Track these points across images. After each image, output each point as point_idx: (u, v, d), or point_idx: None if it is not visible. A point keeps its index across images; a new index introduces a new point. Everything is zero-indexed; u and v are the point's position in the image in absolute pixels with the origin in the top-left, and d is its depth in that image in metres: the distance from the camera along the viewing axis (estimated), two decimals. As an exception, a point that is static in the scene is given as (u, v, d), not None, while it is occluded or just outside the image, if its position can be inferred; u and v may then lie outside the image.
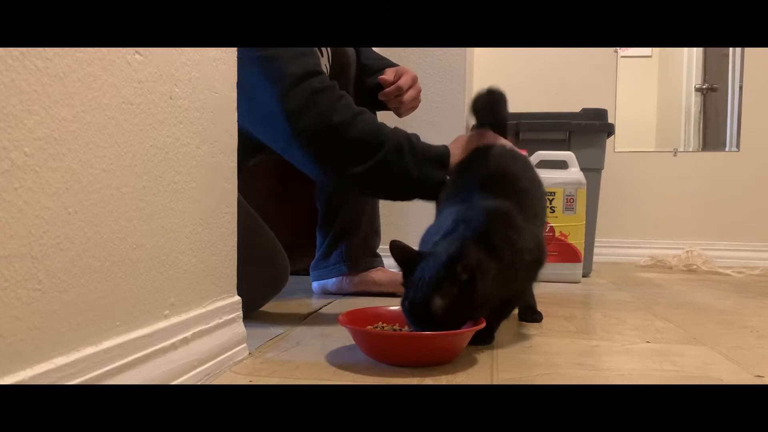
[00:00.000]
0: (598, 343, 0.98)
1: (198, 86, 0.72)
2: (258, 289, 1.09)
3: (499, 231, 0.88)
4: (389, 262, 1.34)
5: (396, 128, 1.06)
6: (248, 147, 1.14)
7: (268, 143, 1.06)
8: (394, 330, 0.91)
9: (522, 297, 1.06)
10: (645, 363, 0.87)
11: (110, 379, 0.56)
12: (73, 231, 0.52)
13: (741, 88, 2.52)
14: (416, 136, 1.07)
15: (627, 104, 2.57)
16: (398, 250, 0.87)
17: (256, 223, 1.14)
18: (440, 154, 1.06)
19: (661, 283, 1.84)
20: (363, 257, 1.44)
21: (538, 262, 0.94)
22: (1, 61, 0.44)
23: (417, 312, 0.82)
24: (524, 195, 0.98)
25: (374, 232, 1.47)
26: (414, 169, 1.03)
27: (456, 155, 1.07)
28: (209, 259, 0.77)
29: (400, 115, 1.33)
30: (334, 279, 1.45)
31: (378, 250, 1.48)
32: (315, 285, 1.49)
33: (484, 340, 0.92)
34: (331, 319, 1.12)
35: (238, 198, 1.10)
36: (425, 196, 1.07)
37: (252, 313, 1.09)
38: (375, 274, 1.43)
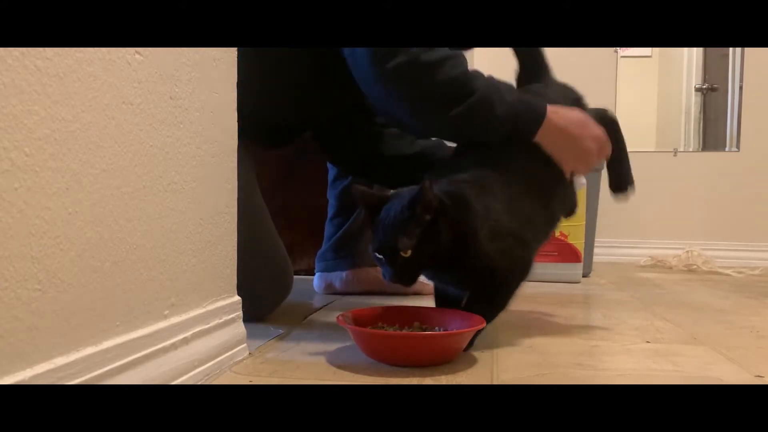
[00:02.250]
0: (598, 343, 0.98)
1: (198, 86, 0.72)
2: (262, 305, 1.10)
3: (465, 193, 0.89)
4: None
5: (490, 77, 0.99)
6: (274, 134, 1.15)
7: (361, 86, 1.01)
8: (394, 330, 0.91)
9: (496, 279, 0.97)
10: (645, 363, 0.87)
11: (110, 379, 0.56)
12: (73, 231, 0.52)
13: (741, 88, 2.52)
14: (509, 87, 1.02)
15: (627, 104, 2.57)
16: (361, 193, 0.89)
17: (272, 239, 1.14)
18: (535, 116, 0.99)
19: (661, 283, 1.84)
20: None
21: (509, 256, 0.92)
22: (1, 61, 0.44)
23: (385, 253, 0.85)
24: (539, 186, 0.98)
25: None
26: (502, 125, 0.97)
27: (555, 122, 1.00)
28: (209, 259, 0.77)
29: None
30: (339, 273, 1.45)
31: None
32: (318, 277, 1.48)
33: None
34: (331, 319, 1.12)
35: (261, 211, 1.12)
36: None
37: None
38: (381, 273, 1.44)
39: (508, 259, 0.91)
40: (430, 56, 0.93)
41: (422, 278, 0.94)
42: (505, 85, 1.00)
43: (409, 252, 0.83)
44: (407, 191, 0.86)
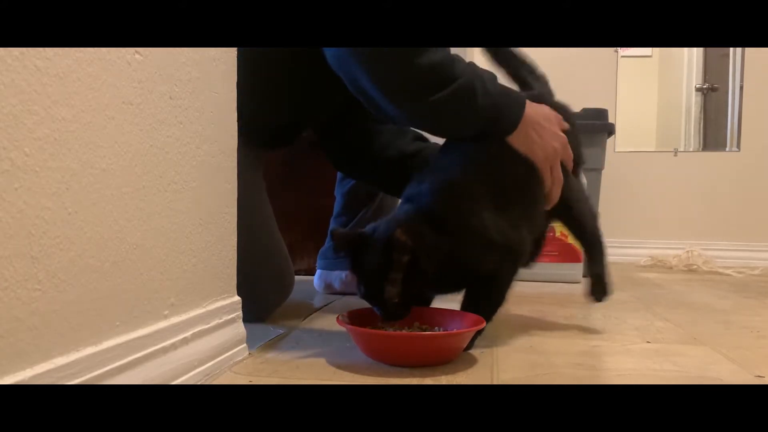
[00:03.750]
0: (598, 343, 0.98)
1: (198, 86, 0.72)
2: (262, 306, 1.11)
3: (444, 203, 0.88)
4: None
5: (471, 63, 0.95)
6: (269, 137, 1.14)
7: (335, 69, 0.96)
8: (394, 330, 0.91)
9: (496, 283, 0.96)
10: (645, 363, 0.87)
11: (110, 379, 0.56)
12: (73, 231, 0.52)
13: (741, 88, 2.52)
14: (492, 76, 0.97)
15: (627, 104, 2.57)
16: (339, 238, 0.90)
17: (274, 241, 1.14)
18: (517, 109, 0.96)
19: (661, 283, 1.84)
20: None
21: (502, 251, 0.91)
22: (1, 61, 0.44)
23: (377, 303, 0.86)
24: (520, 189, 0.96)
25: None
26: (483, 115, 0.93)
27: (531, 115, 0.97)
28: (209, 259, 0.77)
29: None
30: (339, 273, 1.45)
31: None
32: (318, 274, 1.48)
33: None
34: (331, 319, 1.12)
35: (265, 213, 1.12)
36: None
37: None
38: None
39: (495, 263, 0.90)
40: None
41: None
42: (488, 74, 0.96)
43: (397, 298, 0.84)
44: (383, 227, 0.85)
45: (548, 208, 1.00)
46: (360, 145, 1.24)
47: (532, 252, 1.03)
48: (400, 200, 0.99)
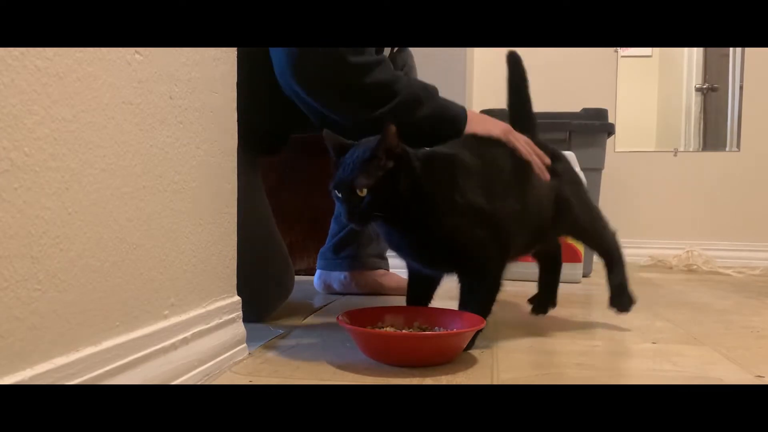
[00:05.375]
0: (598, 343, 0.98)
1: (198, 86, 0.72)
2: (263, 306, 1.10)
3: (432, 165, 0.89)
4: (394, 262, 1.35)
5: (413, 79, 1.03)
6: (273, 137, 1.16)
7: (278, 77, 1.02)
8: (394, 330, 0.91)
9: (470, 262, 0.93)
10: (645, 363, 0.87)
11: (110, 379, 0.56)
12: (73, 231, 0.52)
13: (741, 88, 2.52)
14: (435, 90, 1.05)
15: (627, 104, 2.57)
16: (331, 137, 0.90)
17: (274, 240, 1.14)
18: (455, 116, 1.04)
19: (662, 283, 1.84)
20: (371, 256, 1.44)
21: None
22: (1, 61, 0.44)
23: (342, 190, 0.85)
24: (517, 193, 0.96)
25: None
26: (425, 126, 1.01)
27: (474, 124, 1.05)
28: (209, 259, 0.77)
29: None
30: (338, 274, 1.45)
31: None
32: (318, 275, 1.49)
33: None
34: (331, 319, 1.12)
35: (264, 213, 1.11)
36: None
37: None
38: (381, 277, 1.44)
39: (470, 237, 0.88)
40: (358, 59, 0.96)
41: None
42: (431, 87, 1.04)
43: (365, 191, 0.83)
44: (374, 139, 0.86)
45: (545, 180, 1.01)
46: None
47: (542, 242, 1.06)
48: None
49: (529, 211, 0.98)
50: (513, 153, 1.01)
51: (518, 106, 1.13)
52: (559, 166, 1.07)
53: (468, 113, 1.06)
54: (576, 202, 1.08)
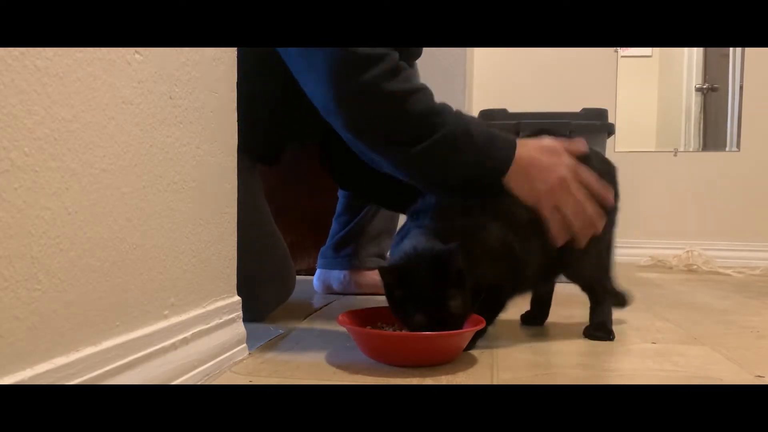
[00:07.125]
0: (598, 343, 0.98)
1: (198, 86, 0.72)
2: (262, 305, 1.10)
3: (451, 218, 0.89)
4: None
5: (459, 113, 0.91)
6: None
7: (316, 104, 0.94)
8: (394, 330, 0.91)
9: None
10: (645, 363, 0.87)
11: (110, 379, 0.56)
12: (73, 231, 0.52)
13: (741, 88, 2.52)
14: (478, 123, 0.93)
15: (627, 104, 2.57)
16: (387, 274, 0.87)
17: (273, 239, 1.14)
18: (503, 158, 0.90)
19: (662, 283, 1.84)
20: (371, 256, 1.44)
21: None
22: (1, 61, 0.44)
23: (439, 321, 0.82)
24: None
25: (388, 234, 1.47)
26: (470, 166, 0.89)
27: (524, 154, 0.90)
28: (209, 259, 0.77)
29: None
30: (337, 273, 1.45)
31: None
32: (318, 274, 1.49)
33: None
34: (331, 319, 1.12)
35: (263, 212, 1.11)
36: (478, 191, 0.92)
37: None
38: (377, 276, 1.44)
39: (499, 275, 0.91)
40: (394, 86, 0.86)
41: None
42: (474, 121, 0.93)
43: (462, 309, 0.84)
44: (414, 250, 0.85)
45: (556, 245, 0.93)
46: (360, 162, 1.21)
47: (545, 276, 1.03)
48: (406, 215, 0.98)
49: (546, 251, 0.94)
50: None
51: None
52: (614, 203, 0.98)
53: (518, 151, 0.90)
54: (593, 247, 0.97)
